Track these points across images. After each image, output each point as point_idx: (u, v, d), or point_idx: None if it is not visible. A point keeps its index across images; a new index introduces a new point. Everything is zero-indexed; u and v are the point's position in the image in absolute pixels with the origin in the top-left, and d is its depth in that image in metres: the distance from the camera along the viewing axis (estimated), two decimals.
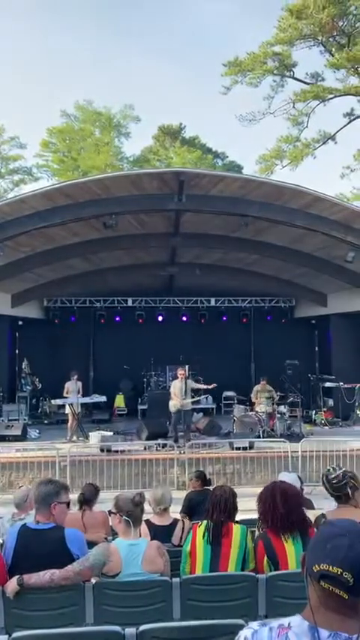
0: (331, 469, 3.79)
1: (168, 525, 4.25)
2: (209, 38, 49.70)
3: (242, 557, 3.38)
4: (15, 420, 13.00)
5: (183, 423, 11.12)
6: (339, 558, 1.22)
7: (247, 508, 3.97)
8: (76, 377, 12.84)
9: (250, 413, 12.23)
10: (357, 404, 13.60)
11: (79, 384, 12.90)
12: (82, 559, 3.01)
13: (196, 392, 11.85)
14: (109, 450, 10.11)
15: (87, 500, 4.89)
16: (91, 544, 3.57)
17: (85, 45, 51.80)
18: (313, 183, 9.49)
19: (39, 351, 15.29)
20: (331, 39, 23.29)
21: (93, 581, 3.07)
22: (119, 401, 15.43)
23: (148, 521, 4.11)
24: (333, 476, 3.69)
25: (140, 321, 16.42)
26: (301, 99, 24.09)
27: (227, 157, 37.39)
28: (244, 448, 10.30)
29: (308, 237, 11.00)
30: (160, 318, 16.51)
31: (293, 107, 24.64)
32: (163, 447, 10.43)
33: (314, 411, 14.03)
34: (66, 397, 12.49)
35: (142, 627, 2.49)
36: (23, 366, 14.64)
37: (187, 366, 12.83)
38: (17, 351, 15.04)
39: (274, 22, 23.34)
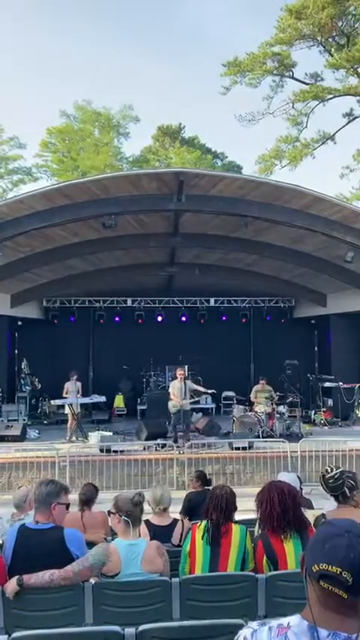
0: (329, 469, 3.80)
1: (167, 525, 4.25)
2: (208, 38, 49.81)
3: (242, 557, 3.38)
4: (14, 420, 13.00)
5: (182, 423, 11.12)
6: (338, 558, 1.22)
7: (247, 508, 3.97)
8: (75, 377, 12.84)
9: (250, 413, 12.23)
10: (356, 404, 13.62)
11: (79, 384, 12.90)
12: (82, 559, 3.01)
13: (194, 393, 11.84)
14: (108, 450, 10.10)
15: (86, 500, 4.89)
16: (90, 544, 3.58)
17: (85, 45, 51.87)
18: (312, 184, 9.49)
19: (38, 351, 15.30)
20: (330, 39, 23.32)
21: (92, 581, 3.08)
22: (119, 401, 15.43)
23: (147, 522, 4.11)
24: (329, 475, 3.70)
25: (140, 321, 16.43)
26: (300, 99, 24.11)
27: (227, 157, 37.46)
28: (244, 448, 10.30)
29: (308, 238, 11.00)
30: (159, 319, 16.51)
31: (292, 107, 24.69)
32: (162, 447, 10.43)
33: (313, 411, 14.04)
34: (65, 397, 12.49)
35: (142, 627, 2.49)
36: (22, 367, 14.64)
37: (186, 367, 12.83)
38: (16, 352, 15.04)
39: (274, 23, 23.39)
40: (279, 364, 14.04)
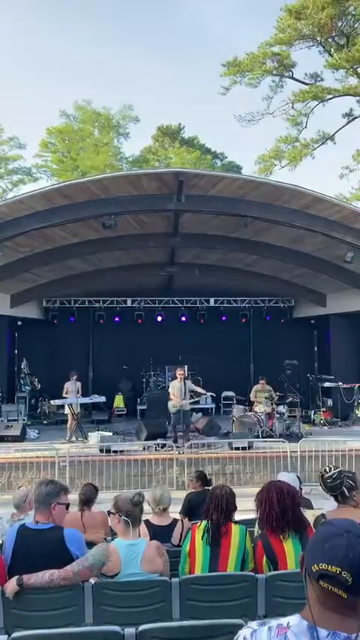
0: (328, 468, 3.80)
1: (167, 525, 4.25)
2: (208, 38, 49.81)
3: (241, 557, 3.38)
4: (14, 420, 13.00)
5: (182, 423, 11.13)
6: (338, 558, 1.23)
7: (246, 508, 3.97)
8: (75, 377, 12.84)
9: (249, 413, 12.24)
10: (356, 404, 13.62)
11: (79, 384, 12.90)
12: (82, 559, 3.01)
13: (193, 394, 11.84)
14: (108, 451, 10.10)
15: (86, 500, 4.89)
16: (90, 544, 3.58)
17: (85, 45, 51.87)
18: (312, 184, 9.51)
19: (38, 351, 15.30)
20: (330, 39, 23.33)
21: (92, 581, 3.08)
22: (118, 401, 15.43)
23: (147, 522, 4.11)
24: (328, 475, 3.70)
25: (139, 321, 16.44)
26: (300, 99, 24.12)
27: (226, 157, 37.48)
28: (243, 448, 10.30)
29: (307, 238, 11.00)
30: (159, 319, 16.51)
31: (292, 107, 24.70)
32: (162, 447, 10.43)
33: (313, 411, 14.04)
34: (65, 397, 12.49)
35: (142, 627, 2.50)
36: (22, 367, 14.64)
37: (186, 367, 12.84)
38: (16, 352, 15.04)
39: (273, 23, 23.40)
40: (279, 364, 14.04)
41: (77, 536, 3.19)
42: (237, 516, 3.75)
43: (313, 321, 16.35)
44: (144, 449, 10.50)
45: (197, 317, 16.79)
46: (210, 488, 5.10)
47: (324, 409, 13.84)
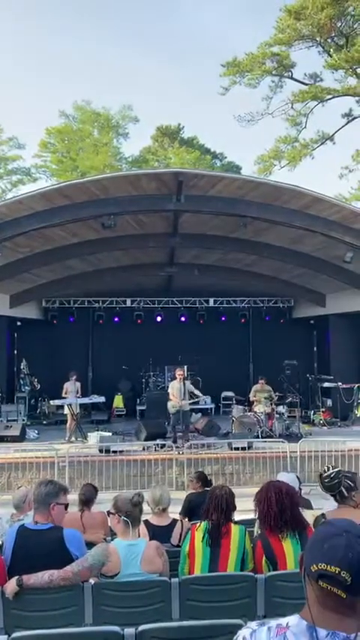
0: (327, 468, 3.80)
1: (167, 525, 4.25)
2: (208, 39, 49.83)
3: (241, 557, 3.38)
4: (14, 420, 13.00)
5: (182, 424, 11.13)
6: (337, 558, 1.23)
7: (246, 508, 3.97)
8: (74, 377, 12.84)
9: (249, 413, 12.24)
10: (355, 404, 13.63)
11: (78, 384, 12.90)
12: (81, 559, 3.01)
13: (192, 395, 11.84)
14: (107, 451, 10.10)
15: (86, 500, 4.90)
16: (90, 544, 3.58)
17: (85, 45, 51.86)
18: (311, 184, 9.52)
19: (38, 351, 15.30)
20: (329, 40, 23.35)
21: (92, 581, 3.08)
22: (118, 401, 15.43)
23: (146, 522, 4.12)
24: (326, 474, 3.70)
25: (139, 321, 16.44)
26: (299, 99, 24.14)
27: (226, 157, 37.49)
28: (243, 448, 10.30)
29: (307, 238, 11.01)
30: (158, 319, 16.52)
31: (292, 108, 24.72)
32: (161, 448, 10.43)
33: (313, 411, 14.04)
34: (65, 398, 12.49)
35: (141, 627, 2.50)
36: (22, 367, 14.65)
37: (185, 367, 12.84)
38: (16, 352, 15.04)
39: (273, 23, 23.42)
40: (278, 364, 14.04)
41: (77, 536, 3.19)
42: (236, 516, 3.75)
43: (312, 322, 16.36)
44: (143, 449, 10.50)
45: (197, 317, 16.80)
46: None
47: (323, 409, 13.85)
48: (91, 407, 14.88)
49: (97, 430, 12.07)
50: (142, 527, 3.79)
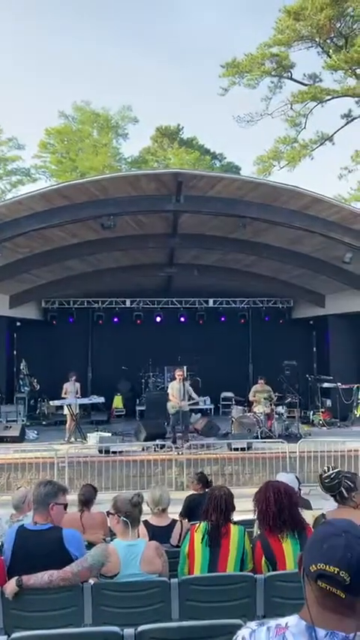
0: (327, 468, 3.81)
1: (166, 526, 4.26)
2: (208, 39, 49.86)
3: (240, 558, 3.39)
4: (13, 421, 13.00)
5: (181, 424, 11.13)
6: (336, 558, 1.23)
7: (245, 509, 3.98)
8: (74, 378, 12.84)
9: (248, 414, 12.24)
10: (355, 404, 13.63)
11: (78, 385, 12.90)
12: (81, 560, 3.02)
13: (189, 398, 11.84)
14: (107, 451, 10.11)
15: (85, 501, 4.90)
16: (89, 545, 3.58)
17: (85, 45, 51.88)
18: (310, 185, 9.50)
19: (37, 352, 15.30)
20: (328, 40, 23.38)
21: (91, 581, 3.08)
22: (117, 402, 15.43)
23: (146, 522, 4.12)
24: (326, 475, 3.70)
25: (138, 322, 16.44)
26: (298, 100, 24.16)
27: (225, 158, 37.49)
28: (242, 449, 10.31)
29: (306, 239, 11.01)
30: (158, 319, 16.52)
31: (291, 108, 24.75)
32: (161, 448, 10.43)
33: (312, 412, 14.04)
34: (64, 398, 12.48)
35: (141, 628, 2.50)
36: (21, 367, 14.64)
37: (185, 367, 12.84)
38: (15, 352, 15.03)
39: (272, 24, 23.44)
40: (277, 365, 14.05)
41: (76, 536, 3.19)
42: (236, 517, 3.76)
43: (311, 322, 16.36)
44: (143, 449, 10.51)
45: (196, 317, 16.81)
46: None
47: (323, 410, 13.85)
48: (91, 407, 14.88)
49: (97, 431, 12.07)
50: (142, 528, 3.79)
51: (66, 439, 11.76)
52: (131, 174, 11.63)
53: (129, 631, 2.47)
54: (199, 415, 13.74)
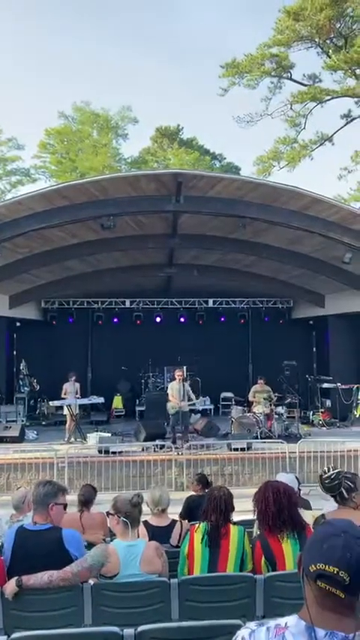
0: (327, 469, 3.81)
1: (166, 526, 4.26)
2: (208, 39, 49.89)
3: (240, 558, 3.39)
4: (13, 421, 13.00)
5: (181, 424, 11.13)
6: (335, 558, 1.24)
7: (245, 509, 3.98)
8: (74, 378, 12.83)
9: (248, 414, 12.24)
10: (354, 405, 13.63)
11: (77, 385, 12.90)
12: (81, 560, 3.02)
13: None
14: (107, 452, 10.11)
15: (85, 501, 4.90)
16: (89, 545, 3.58)
17: (84, 45, 51.89)
18: (310, 185, 9.53)
19: (37, 352, 15.30)
20: (328, 41, 23.39)
21: (91, 582, 3.08)
22: (117, 402, 15.43)
23: (146, 522, 4.12)
24: (326, 475, 3.70)
25: (138, 322, 16.44)
26: (298, 100, 24.17)
27: (225, 158, 37.50)
28: (242, 449, 10.31)
29: (306, 239, 11.02)
30: (157, 320, 16.52)
31: (291, 109, 24.75)
32: (161, 449, 10.43)
33: (312, 412, 14.04)
34: (64, 398, 12.48)
35: (141, 628, 2.50)
36: (21, 368, 14.64)
37: (184, 368, 12.83)
38: (15, 353, 15.03)
39: (272, 24, 23.46)
40: (277, 365, 14.05)
41: (76, 537, 3.19)
42: (235, 517, 3.76)
43: (311, 322, 16.36)
44: (143, 450, 10.51)
45: (196, 318, 16.81)
46: None
47: (322, 410, 13.85)
48: (91, 408, 14.87)
49: (97, 431, 12.07)
50: (142, 528, 3.79)
51: (66, 439, 11.76)
52: (131, 175, 11.63)
53: (129, 631, 2.48)
54: (198, 415, 13.75)
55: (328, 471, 3.75)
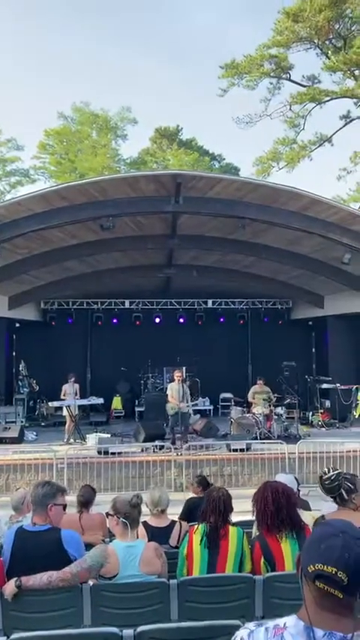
0: (327, 470, 3.80)
1: (165, 527, 4.26)
2: (207, 40, 49.93)
3: (239, 559, 3.39)
4: (12, 422, 12.98)
5: (180, 425, 11.13)
6: (333, 558, 1.24)
7: (244, 510, 3.98)
8: (73, 379, 12.82)
9: (247, 415, 12.24)
10: (354, 405, 13.63)
11: (77, 386, 12.88)
12: (80, 561, 3.02)
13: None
14: (106, 452, 10.10)
15: (84, 502, 4.90)
16: (88, 546, 3.58)
17: (84, 45, 51.92)
18: (309, 186, 9.55)
19: (36, 353, 15.30)
20: (327, 42, 23.41)
21: (91, 582, 3.08)
22: (116, 403, 15.43)
23: (145, 523, 4.12)
24: (326, 476, 3.70)
25: (137, 322, 16.44)
26: (297, 101, 24.19)
27: (224, 159, 37.51)
28: (242, 450, 10.30)
29: (305, 239, 11.03)
30: (157, 320, 16.51)
31: (290, 109, 24.77)
32: (160, 449, 10.43)
33: (311, 413, 14.05)
34: (63, 399, 12.48)
35: (140, 628, 2.50)
36: (20, 368, 14.63)
37: (184, 368, 12.84)
38: (14, 353, 15.03)
39: (271, 25, 23.48)
40: (276, 366, 14.05)
41: (75, 537, 3.19)
42: (234, 518, 3.76)
43: (310, 323, 16.37)
44: (142, 451, 10.50)
45: (195, 318, 16.81)
46: None
47: (322, 410, 13.85)
48: (90, 408, 14.87)
49: (96, 432, 12.06)
50: (141, 529, 3.79)
51: (65, 440, 11.75)
52: (130, 176, 11.63)
53: (128, 632, 2.48)
54: (198, 416, 13.75)
55: (328, 472, 3.74)
